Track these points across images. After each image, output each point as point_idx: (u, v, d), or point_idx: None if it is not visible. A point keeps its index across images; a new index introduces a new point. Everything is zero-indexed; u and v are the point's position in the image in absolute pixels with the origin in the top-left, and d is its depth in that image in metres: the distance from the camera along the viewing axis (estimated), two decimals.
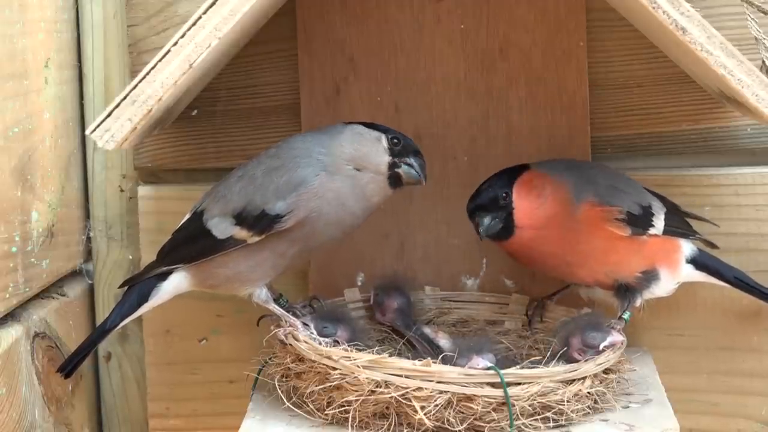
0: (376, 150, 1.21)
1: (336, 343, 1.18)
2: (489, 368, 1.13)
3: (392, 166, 1.21)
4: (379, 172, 1.21)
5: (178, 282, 1.23)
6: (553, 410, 1.13)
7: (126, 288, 1.26)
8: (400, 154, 1.21)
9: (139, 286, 1.24)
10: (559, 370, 1.14)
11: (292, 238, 1.20)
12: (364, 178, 1.21)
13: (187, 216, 1.25)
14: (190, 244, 1.22)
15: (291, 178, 1.19)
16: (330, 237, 1.22)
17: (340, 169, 1.20)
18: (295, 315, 1.23)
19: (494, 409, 1.11)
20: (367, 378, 1.12)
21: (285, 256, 1.21)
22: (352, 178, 1.20)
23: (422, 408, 1.11)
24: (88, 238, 1.44)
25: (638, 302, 1.27)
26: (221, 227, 1.21)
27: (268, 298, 1.23)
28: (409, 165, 1.21)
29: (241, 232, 1.20)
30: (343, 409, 1.13)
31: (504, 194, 1.24)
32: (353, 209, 1.21)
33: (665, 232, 1.27)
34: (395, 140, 1.21)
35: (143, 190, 1.42)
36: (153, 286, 1.23)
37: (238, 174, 1.23)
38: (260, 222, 1.19)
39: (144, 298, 1.24)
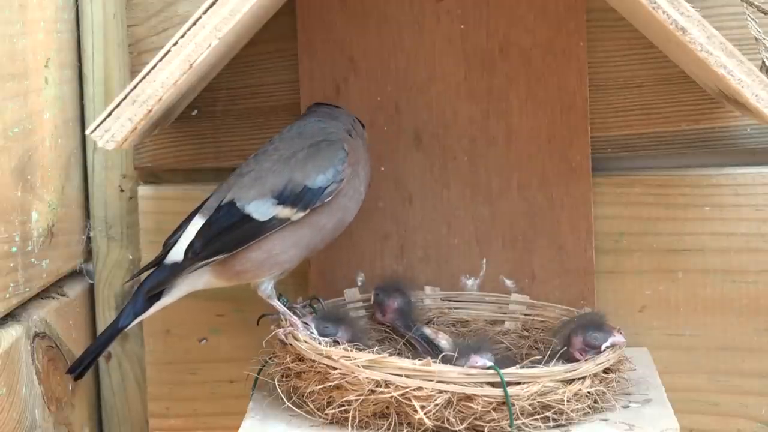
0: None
1: (336, 342, 1.18)
2: (489, 367, 1.13)
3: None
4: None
5: (193, 279, 1.23)
6: (553, 410, 1.13)
7: (136, 287, 1.26)
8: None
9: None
10: (559, 369, 1.14)
11: (333, 209, 1.23)
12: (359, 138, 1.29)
13: (200, 220, 1.24)
14: (229, 233, 1.21)
15: (327, 151, 1.23)
16: (358, 202, 1.26)
17: (351, 133, 1.27)
18: (295, 315, 1.23)
19: (494, 409, 1.11)
20: (367, 378, 1.12)
21: (323, 230, 1.23)
22: (359, 138, 1.28)
23: (422, 407, 1.11)
24: (88, 238, 1.44)
25: None
26: (262, 209, 1.21)
27: (273, 294, 1.23)
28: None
29: (284, 211, 1.21)
30: (343, 408, 1.13)
31: None
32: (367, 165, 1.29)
33: None
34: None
35: (143, 190, 1.42)
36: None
37: (265, 157, 1.25)
38: (303, 197, 1.21)
39: (156, 296, 1.23)
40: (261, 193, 1.22)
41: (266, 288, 1.23)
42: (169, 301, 1.24)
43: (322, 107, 1.31)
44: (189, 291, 1.24)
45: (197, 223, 1.24)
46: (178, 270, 1.22)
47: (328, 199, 1.22)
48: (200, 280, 1.24)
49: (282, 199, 1.21)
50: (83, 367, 1.25)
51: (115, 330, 1.24)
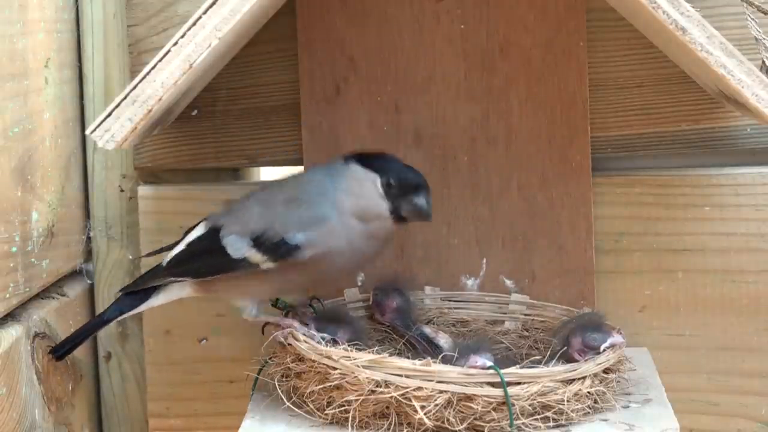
0: (372, 198, 1.19)
1: (335, 342, 1.18)
2: (489, 367, 1.13)
3: (394, 210, 1.19)
4: (382, 218, 1.20)
5: (177, 288, 1.24)
6: (553, 410, 1.13)
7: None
8: (398, 196, 1.19)
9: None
10: (559, 369, 1.14)
11: (305, 269, 1.20)
12: (371, 227, 1.20)
13: (200, 231, 1.25)
14: (203, 259, 1.21)
15: (313, 212, 1.19)
16: (339, 271, 1.22)
17: (348, 221, 1.19)
18: (295, 315, 1.23)
19: (494, 409, 1.11)
20: (367, 378, 1.12)
21: (293, 282, 1.21)
22: (361, 230, 1.19)
23: (422, 408, 1.11)
24: (88, 238, 1.44)
25: None
26: (236, 246, 1.20)
27: (258, 313, 1.23)
28: (411, 206, 1.19)
29: (256, 255, 1.19)
30: (343, 408, 1.13)
31: None
32: (365, 251, 1.21)
33: None
34: (389, 184, 1.19)
35: (143, 190, 1.42)
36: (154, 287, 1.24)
37: (259, 197, 1.23)
38: (278, 249, 1.18)
39: (144, 298, 1.24)
40: (241, 231, 1.20)
41: (251, 311, 1.22)
42: (155, 303, 1.24)
43: (358, 162, 1.21)
44: (175, 298, 1.25)
45: (197, 232, 1.25)
46: (152, 278, 1.24)
47: (300, 259, 1.18)
48: (183, 290, 1.24)
49: (258, 243, 1.19)
50: (65, 350, 1.26)
51: (100, 321, 1.25)
